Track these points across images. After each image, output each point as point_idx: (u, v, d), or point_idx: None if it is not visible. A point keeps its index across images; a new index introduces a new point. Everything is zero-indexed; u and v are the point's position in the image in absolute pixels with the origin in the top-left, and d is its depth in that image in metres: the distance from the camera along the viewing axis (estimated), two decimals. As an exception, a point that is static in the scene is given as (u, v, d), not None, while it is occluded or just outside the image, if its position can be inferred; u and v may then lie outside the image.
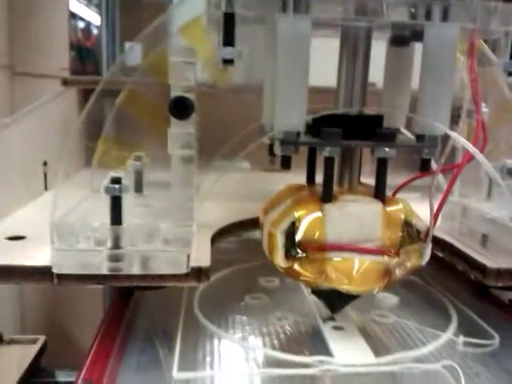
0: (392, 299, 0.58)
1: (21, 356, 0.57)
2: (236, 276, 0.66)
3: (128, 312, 0.55)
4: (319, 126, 0.44)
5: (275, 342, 0.49)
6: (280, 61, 0.41)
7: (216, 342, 0.49)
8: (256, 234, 0.54)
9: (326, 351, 0.47)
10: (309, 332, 0.51)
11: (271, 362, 0.46)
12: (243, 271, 0.67)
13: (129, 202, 0.47)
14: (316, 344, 0.48)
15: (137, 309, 0.56)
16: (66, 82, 0.80)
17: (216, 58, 0.44)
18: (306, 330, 0.52)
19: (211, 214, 0.58)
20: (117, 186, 0.40)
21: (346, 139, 0.44)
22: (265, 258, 0.49)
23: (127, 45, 0.49)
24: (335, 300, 0.49)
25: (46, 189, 0.68)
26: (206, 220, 0.55)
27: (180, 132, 0.40)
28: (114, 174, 0.40)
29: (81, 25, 1.97)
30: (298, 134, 0.44)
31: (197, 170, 0.51)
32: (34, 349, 0.59)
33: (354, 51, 0.46)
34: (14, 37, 0.92)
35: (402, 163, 0.49)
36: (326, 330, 0.50)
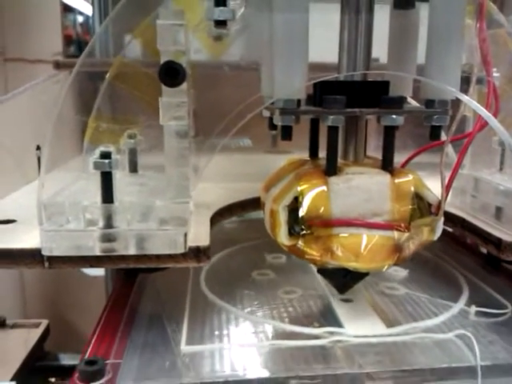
0: (401, 272, 0.58)
1: (24, 340, 0.56)
2: (242, 253, 0.66)
3: (134, 291, 0.55)
4: (321, 94, 0.41)
5: (284, 315, 0.48)
6: (277, 18, 0.38)
7: (224, 316, 0.49)
8: (261, 214, 0.52)
9: (336, 323, 0.46)
10: (317, 305, 0.51)
11: (280, 335, 0.45)
12: (249, 249, 0.67)
13: (123, 181, 0.44)
14: (325, 316, 0.48)
15: (143, 287, 0.56)
16: (58, 66, 0.77)
17: (208, 25, 0.42)
18: (314, 303, 0.51)
19: (210, 194, 0.56)
20: (106, 160, 0.37)
21: (351, 107, 0.41)
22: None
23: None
24: (342, 279, 0.47)
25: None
26: (205, 200, 0.53)
27: (172, 101, 0.37)
28: (103, 148, 0.38)
29: (80, 19, 1.95)
30: (299, 102, 0.41)
31: (195, 149, 0.48)
32: (37, 332, 0.59)
33: (356, 10, 0.43)
34: (5, 22, 0.89)
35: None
36: (335, 303, 0.50)
